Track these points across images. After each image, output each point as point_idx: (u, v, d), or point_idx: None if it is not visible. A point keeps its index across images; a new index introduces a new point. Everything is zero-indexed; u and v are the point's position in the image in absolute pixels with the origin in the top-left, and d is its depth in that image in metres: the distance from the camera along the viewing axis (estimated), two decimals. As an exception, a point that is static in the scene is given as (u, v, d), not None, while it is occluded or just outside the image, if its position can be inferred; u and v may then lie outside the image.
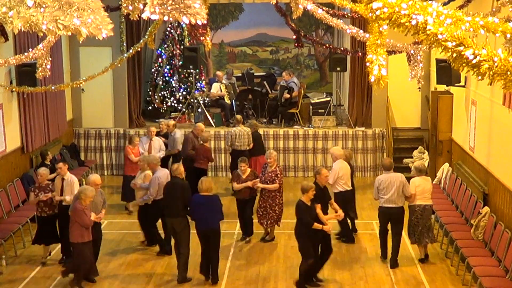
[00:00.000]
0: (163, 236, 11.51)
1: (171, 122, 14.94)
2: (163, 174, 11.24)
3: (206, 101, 18.23)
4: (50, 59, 9.99)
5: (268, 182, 11.70)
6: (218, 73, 18.12)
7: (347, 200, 11.73)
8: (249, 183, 11.81)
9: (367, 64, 5.47)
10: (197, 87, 18.18)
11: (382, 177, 11.05)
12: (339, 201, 11.14)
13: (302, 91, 17.62)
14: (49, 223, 10.92)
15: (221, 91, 17.52)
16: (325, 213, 10.16)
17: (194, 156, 13.75)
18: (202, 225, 10.19)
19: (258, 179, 11.86)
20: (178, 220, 10.32)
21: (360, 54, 12.75)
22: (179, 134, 14.69)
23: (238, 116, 15.02)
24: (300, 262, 10.08)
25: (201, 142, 13.94)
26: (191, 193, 10.43)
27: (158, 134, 14.59)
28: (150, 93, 18.31)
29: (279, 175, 11.73)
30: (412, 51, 10.81)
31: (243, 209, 12.09)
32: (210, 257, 10.30)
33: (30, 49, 9.93)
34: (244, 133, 14.38)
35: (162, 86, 18.20)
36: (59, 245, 11.15)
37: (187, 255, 10.40)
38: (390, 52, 10.29)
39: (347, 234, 12.03)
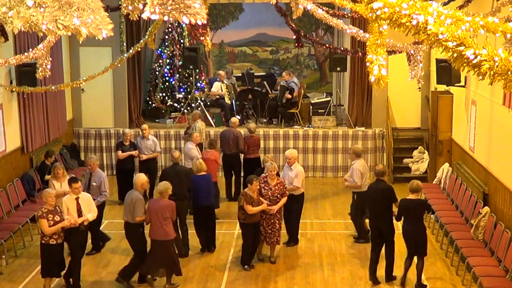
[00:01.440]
0: None
1: (145, 126, 14.64)
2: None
3: (206, 101, 18.24)
4: (50, 59, 9.99)
5: (278, 195, 10.90)
6: (220, 72, 18.11)
7: None
8: (265, 206, 10.67)
9: (367, 64, 5.46)
10: (197, 87, 18.17)
11: (358, 164, 11.86)
12: (303, 201, 11.86)
13: (302, 91, 17.62)
14: (61, 250, 9.87)
15: (222, 90, 17.53)
16: None
17: (245, 150, 14.24)
18: (205, 201, 11.25)
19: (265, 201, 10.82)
20: (185, 203, 11.25)
21: (360, 54, 12.75)
22: (154, 137, 14.70)
23: (197, 112, 15.28)
24: (421, 262, 10.10)
25: (249, 133, 14.40)
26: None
27: (122, 144, 14.30)
28: (150, 93, 18.30)
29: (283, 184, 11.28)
30: (412, 51, 10.80)
31: (254, 234, 10.80)
32: (209, 229, 11.48)
33: (30, 49, 9.93)
34: (202, 128, 14.83)
35: (162, 86, 18.19)
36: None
37: (187, 231, 11.42)
38: (390, 52, 10.29)
39: (296, 237, 12.06)
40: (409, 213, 9.94)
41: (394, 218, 10.27)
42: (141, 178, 10.26)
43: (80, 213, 10.01)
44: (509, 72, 4.14)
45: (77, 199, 10.07)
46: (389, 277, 10.34)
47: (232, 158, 14.31)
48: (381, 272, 10.35)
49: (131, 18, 7.38)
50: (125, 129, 14.93)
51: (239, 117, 17.17)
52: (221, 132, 14.82)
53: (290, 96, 17.15)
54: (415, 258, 10.15)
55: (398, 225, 10.57)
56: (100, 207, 11.24)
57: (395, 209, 10.28)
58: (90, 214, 10.15)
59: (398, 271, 10.38)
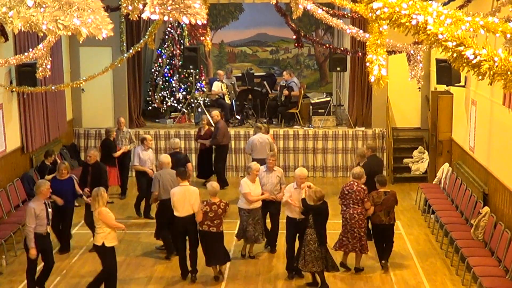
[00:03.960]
0: None
1: (122, 119, 14.66)
2: None
3: (206, 101, 18.24)
4: (50, 59, 9.98)
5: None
6: (219, 71, 18.14)
7: None
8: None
9: (367, 64, 5.46)
10: (197, 87, 18.18)
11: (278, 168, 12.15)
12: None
13: (302, 91, 17.63)
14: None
15: (222, 90, 17.55)
16: None
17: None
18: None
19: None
20: None
21: (360, 54, 12.71)
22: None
23: (121, 119, 15.21)
24: None
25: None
26: None
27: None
28: (150, 93, 18.30)
29: None
30: (412, 51, 10.79)
31: None
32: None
33: (30, 49, 9.92)
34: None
35: (162, 86, 18.19)
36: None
37: None
38: (390, 52, 10.27)
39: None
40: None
41: None
42: (169, 156, 11.69)
43: None
44: (509, 72, 4.14)
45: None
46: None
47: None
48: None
49: (131, 18, 7.37)
50: (175, 139, 13.82)
51: (239, 117, 17.18)
52: (222, 127, 15.18)
53: (287, 93, 17.13)
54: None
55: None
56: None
57: None
58: None
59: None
